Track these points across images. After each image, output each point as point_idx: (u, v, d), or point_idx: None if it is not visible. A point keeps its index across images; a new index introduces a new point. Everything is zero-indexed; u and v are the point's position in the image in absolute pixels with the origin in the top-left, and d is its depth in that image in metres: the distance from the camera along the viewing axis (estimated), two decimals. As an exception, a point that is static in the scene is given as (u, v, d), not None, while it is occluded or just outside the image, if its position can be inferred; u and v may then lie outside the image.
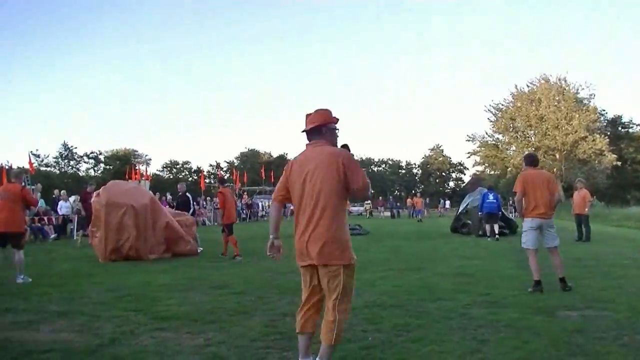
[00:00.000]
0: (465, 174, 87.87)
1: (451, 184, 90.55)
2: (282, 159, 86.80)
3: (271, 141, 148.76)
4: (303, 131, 4.14)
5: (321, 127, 4.06)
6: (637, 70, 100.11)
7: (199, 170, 75.38)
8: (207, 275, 9.59)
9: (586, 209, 17.16)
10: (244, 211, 39.08)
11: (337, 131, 4.18)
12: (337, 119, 4.16)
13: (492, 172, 63.23)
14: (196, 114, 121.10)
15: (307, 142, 4.12)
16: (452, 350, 4.64)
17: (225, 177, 60.12)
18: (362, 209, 51.90)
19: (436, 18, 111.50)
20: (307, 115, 4.15)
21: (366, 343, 4.89)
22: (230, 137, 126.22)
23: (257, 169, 65.86)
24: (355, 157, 4.11)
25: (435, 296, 7.25)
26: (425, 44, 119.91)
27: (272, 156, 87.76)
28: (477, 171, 68.69)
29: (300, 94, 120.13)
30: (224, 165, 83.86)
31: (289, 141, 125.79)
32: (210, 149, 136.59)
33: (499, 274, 9.35)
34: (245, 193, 45.98)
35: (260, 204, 45.13)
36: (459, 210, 22.74)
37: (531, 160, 8.42)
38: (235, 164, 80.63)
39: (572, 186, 22.25)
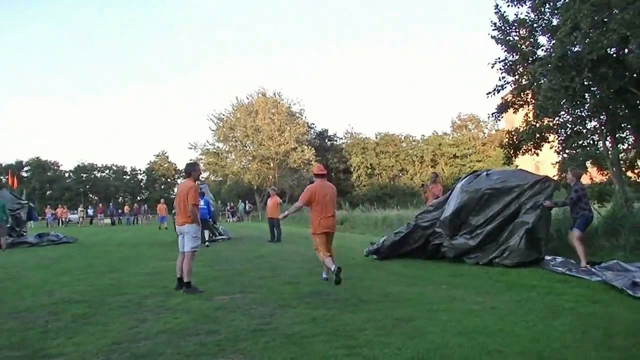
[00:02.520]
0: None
1: (176, 189, 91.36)
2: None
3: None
4: (318, 175, 9.46)
5: (326, 174, 9.61)
6: (340, 91, 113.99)
7: None
8: None
9: (279, 214, 19.55)
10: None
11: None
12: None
13: (215, 179, 66.00)
14: None
15: (318, 179, 9.41)
16: (115, 328, 5.95)
17: None
18: (76, 216, 50.44)
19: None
20: (318, 167, 9.85)
21: (45, 329, 5.96)
22: None
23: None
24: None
25: (121, 291, 8.49)
26: (148, 51, 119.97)
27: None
28: (202, 177, 70.88)
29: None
30: None
31: None
32: None
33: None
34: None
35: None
36: None
37: (184, 170, 9.32)
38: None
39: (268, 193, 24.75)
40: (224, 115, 60.46)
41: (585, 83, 11.31)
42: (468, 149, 69.55)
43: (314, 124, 71.02)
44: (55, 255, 15.74)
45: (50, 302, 7.62)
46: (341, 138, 75.34)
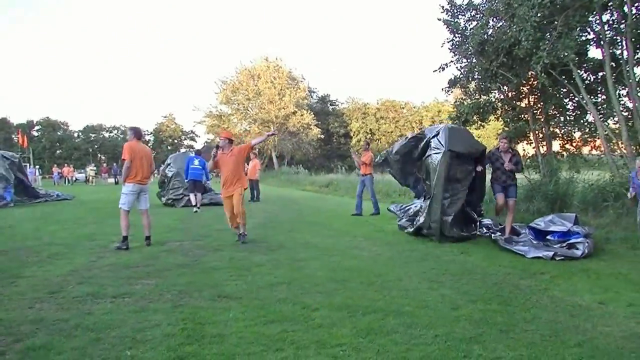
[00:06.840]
0: (196, 142, 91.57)
1: (182, 150, 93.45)
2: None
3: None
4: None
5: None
6: (344, 58, 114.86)
7: None
8: None
9: (256, 175, 21.45)
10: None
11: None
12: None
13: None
14: None
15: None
16: (78, 262, 7.81)
17: None
18: (83, 175, 52.50)
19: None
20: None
21: (25, 262, 7.82)
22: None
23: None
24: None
25: (95, 238, 10.42)
26: (160, 15, 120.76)
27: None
28: (209, 139, 72.73)
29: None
30: None
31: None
32: None
33: (160, 224, 12.58)
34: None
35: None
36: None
37: (134, 133, 9.48)
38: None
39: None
40: (228, 79, 61.75)
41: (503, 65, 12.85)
42: (468, 116, 70.35)
43: (315, 89, 72.41)
44: (50, 210, 17.70)
45: (35, 244, 9.52)
46: (343, 103, 76.64)
